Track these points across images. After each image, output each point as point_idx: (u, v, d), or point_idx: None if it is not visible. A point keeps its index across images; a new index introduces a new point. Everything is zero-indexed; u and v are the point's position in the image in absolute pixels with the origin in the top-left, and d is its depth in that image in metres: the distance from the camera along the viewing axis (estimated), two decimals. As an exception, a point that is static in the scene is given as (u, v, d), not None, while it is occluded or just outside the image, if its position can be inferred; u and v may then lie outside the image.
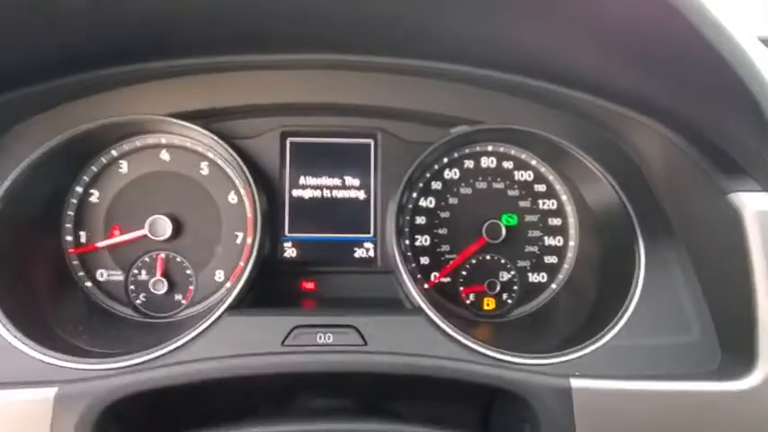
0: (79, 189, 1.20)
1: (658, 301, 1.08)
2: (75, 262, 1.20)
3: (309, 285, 1.28)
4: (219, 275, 1.24)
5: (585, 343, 1.03)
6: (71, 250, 1.20)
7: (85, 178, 1.20)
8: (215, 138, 1.16)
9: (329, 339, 0.98)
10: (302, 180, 1.28)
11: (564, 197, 1.31)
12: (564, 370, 0.98)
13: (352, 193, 1.29)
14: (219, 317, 1.00)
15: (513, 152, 1.30)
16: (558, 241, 1.32)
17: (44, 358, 0.92)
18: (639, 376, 0.95)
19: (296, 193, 1.27)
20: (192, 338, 0.96)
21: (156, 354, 0.94)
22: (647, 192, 1.15)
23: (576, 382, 0.93)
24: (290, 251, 1.28)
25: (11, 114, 1.07)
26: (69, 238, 1.20)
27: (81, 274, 1.20)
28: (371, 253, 1.29)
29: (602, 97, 1.12)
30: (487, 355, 1.00)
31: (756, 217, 0.93)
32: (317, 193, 1.28)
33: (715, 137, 0.97)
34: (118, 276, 1.22)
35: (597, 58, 0.96)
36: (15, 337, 0.93)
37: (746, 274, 0.93)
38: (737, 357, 0.96)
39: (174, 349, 0.94)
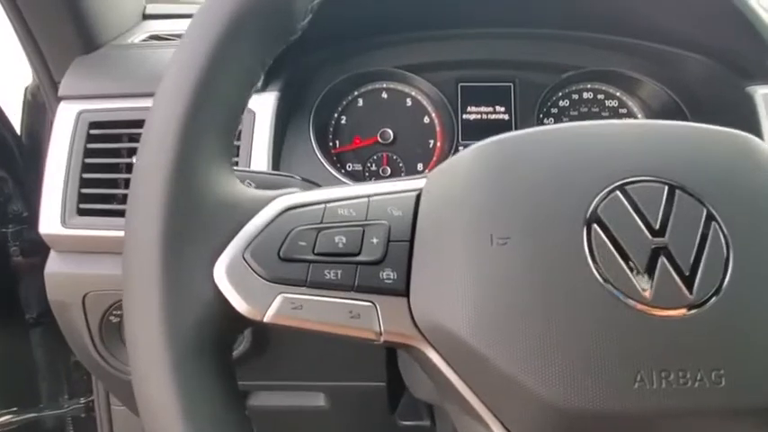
0: (336, 115, 1.99)
1: None
2: (335, 158, 1.97)
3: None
4: (420, 167, 1.98)
5: None
6: (332, 151, 1.97)
7: (339, 108, 1.99)
8: (421, 80, 1.93)
9: None
10: (469, 108, 2.02)
11: (639, 116, 2.00)
12: None
13: (500, 116, 2.02)
14: None
15: (603, 87, 2.01)
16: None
17: None
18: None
19: (465, 116, 2.01)
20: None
21: None
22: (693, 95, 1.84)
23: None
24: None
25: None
26: (330, 144, 1.98)
27: (338, 165, 1.97)
28: (514, 155, 2.01)
29: (666, 44, 1.83)
30: None
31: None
32: (479, 116, 2.02)
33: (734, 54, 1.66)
34: (358, 167, 1.99)
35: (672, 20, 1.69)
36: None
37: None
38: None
39: None
